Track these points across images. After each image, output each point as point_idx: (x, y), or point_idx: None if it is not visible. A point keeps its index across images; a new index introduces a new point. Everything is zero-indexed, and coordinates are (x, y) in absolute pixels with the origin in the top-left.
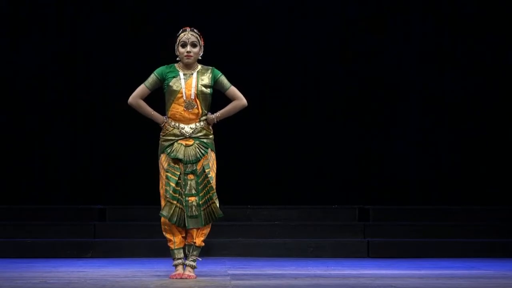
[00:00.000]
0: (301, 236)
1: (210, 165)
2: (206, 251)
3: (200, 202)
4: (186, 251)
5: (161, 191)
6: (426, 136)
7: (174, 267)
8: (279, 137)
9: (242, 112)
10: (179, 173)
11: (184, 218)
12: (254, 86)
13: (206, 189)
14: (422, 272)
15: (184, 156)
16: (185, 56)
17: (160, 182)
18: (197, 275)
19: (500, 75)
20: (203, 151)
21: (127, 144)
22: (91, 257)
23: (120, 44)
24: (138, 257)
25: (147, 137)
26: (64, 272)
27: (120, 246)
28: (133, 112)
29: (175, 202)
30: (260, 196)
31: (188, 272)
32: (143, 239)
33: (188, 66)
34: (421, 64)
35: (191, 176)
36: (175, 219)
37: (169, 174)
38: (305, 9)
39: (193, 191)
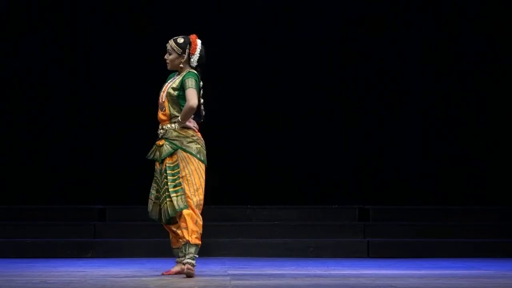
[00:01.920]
0: (301, 236)
1: (182, 166)
2: (206, 251)
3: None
4: (184, 250)
5: None
6: (426, 136)
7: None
8: (279, 137)
9: (242, 112)
10: (157, 174)
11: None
12: (254, 86)
13: (166, 187)
14: (422, 272)
15: (154, 156)
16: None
17: None
18: (197, 275)
19: (501, 75)
20: (170, 150)
21: (127, 144)
22: (91, 257)
23: (120, 44)
24: (138, 257)
25: (147, 137)
26: (64, 272)
27: (120, 246)
28: (133, 112)
29: (155, 200)
30: (260, 196)
31: (180, 268)
32: (143, 239)
33: (178, 72)
34: (421, 64)
35: (164, 175)
36: (153, 217)
37: (156, 174)
38: (305, 9)
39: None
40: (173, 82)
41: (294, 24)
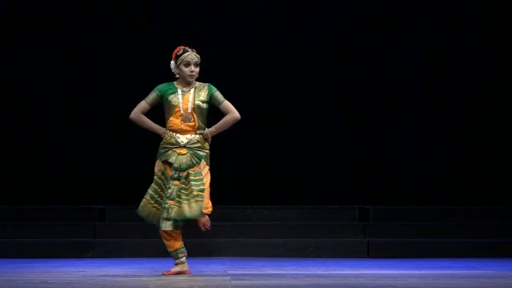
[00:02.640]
0: (301, 236)
1: (203, 174)
2: (206, 251)
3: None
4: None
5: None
6: (426, 136)
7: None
8: (279, 137)
9: (242, 112)
10: (161, 174)
11: (159, 218)
12: (254, 86)
13: (190, 190)
14: (422, 272)
15: (174, 162)
16: (189, 75)
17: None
18: (197, 275)
19: (501, 75)
20: (195, 161)
21: (127, 144)
22: (91, 257)
23: (120, 44)
24: (138, 257)
25: (147, 137)
26: (64, 272)
27: (120, 246)
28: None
29: (152, 201)
30: (260, 196)
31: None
32: (143, 239)
33: (188, 84)
34: (421, 64)
35: (176, 182)
36: (144, 214)
37: (156, 177)
38: (305, 9)
39: (174, 196)
40: (197, 95)
41: (294, 24)
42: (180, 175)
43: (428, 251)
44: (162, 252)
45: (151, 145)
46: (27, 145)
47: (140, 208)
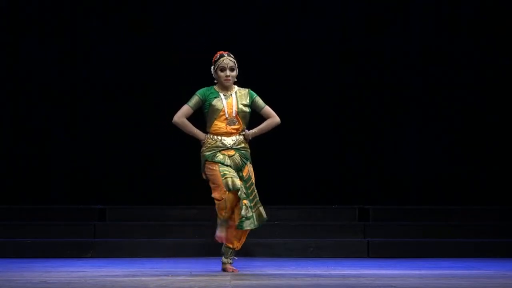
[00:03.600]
0: (301, 236)
1: (250, 175)
2: (206, 251)
3: (251, 205)
4: (224, 252)
5: (216, 193)
6: (426, 136)
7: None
8: (278, 137)
9: None
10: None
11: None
12: (254, 85)
13: (254, 193)
14: (422, 272)
15: (230, 163)
16: (225, 79)
17: (213, 186)
18: (196, 275)
19: (501, 75)
20: (244, 161)
21: (127, 144)
22: (91, 257)
23: (120, 44)
24: (138, 257)
25: (147, 137)
26: (64, 272)
27: (120, 246)
28: (133, 112)
29: (227, 173)
30: (260, 196)
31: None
32: (143, 239)
33: (226, 88)
34: (421, 65)
35: (240, 182)
36: (231, 186)
37: (222, 168)
38: (305, 9)
39: (244, 195)
40: (239, 99)
41: (294, 24)
42: (241, 175)
43: (428, 251)
44: (162, 252)
45: (151, 145)
46: (27, 145)
47: (230, 184)
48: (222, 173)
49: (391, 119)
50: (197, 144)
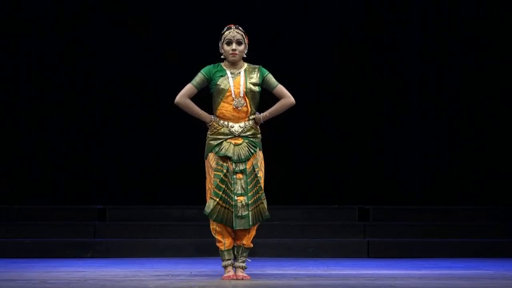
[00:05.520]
0: (301, 236)
1: (259, 164)
2: (206, 251)
3: (249, 202)
4: (235, 252)
5: (208, 193)
6: (426, 136)
7: (223, 268)
8: (278, 136)
9: None
10: (225, 171)
11: (231, 218)
12: None
13: (255, 188)
14: (422, 272)
15: (233, 155)
16: (231, 54)
17: (207, 183)
18: (196, 275)
19: (501, 75)
20: (252, 150)
21: (128, 144)
22: (91, 257)
23: (120, 44)
24: (138, 257)
25: (147, 137)
26: (64, 272)
27: (120, 246)
28: (133, 112)
29: (217, 199)
30: None
31: (241, 273)
32: (143, 239)
33: (234, 65)
34: (421, 64)
35: (240, 176)
36: (214, 216)
37: (216, 173)
38: (305, 9)
39: (242, 191)
40: (248, 77)
41: (294, 24)
42: (243, 167)
43: (428, 251)
44: (162, 252)
45: (151, 145)
46: (27, 145)
47: (210, 212)
48: (215, 184)
49: (391, 119)
50: (197, 144)
